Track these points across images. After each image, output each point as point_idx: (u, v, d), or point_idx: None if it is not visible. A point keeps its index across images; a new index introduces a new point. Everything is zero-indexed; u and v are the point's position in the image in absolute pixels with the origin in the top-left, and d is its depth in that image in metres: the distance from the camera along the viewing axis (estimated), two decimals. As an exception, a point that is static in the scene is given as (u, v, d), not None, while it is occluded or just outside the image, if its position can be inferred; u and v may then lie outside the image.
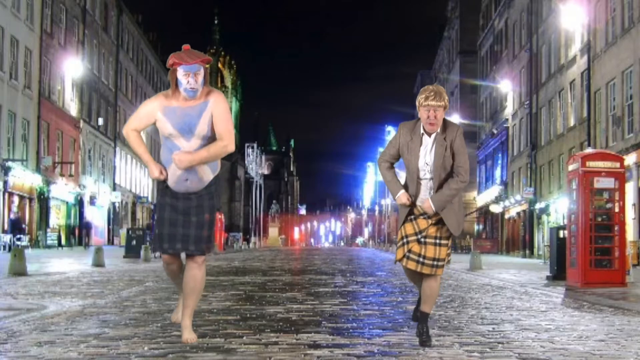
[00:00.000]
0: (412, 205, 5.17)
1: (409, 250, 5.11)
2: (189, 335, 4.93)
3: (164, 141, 4.92)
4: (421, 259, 5.08)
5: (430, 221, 5.12)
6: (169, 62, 4.77)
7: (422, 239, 5.11)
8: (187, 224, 4.88)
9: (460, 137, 5.12)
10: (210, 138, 4.83)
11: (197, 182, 4.86)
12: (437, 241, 5.10)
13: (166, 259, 5.03)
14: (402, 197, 5.12)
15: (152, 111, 4.87)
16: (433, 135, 5.11)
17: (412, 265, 5.09)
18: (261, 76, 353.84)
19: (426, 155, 5.11)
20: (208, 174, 4.90)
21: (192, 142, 4.82)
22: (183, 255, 5.05)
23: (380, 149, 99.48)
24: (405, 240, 5.15)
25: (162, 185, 4.97)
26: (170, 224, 4.90)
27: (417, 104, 5.11)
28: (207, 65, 4.89)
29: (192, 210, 4.88)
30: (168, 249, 4.92)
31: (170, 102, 4.85)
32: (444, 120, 5.12)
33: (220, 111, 4.84)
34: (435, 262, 5.06)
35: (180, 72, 4.75)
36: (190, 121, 4.80)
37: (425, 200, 5.06)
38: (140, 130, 4.97)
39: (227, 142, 4.81)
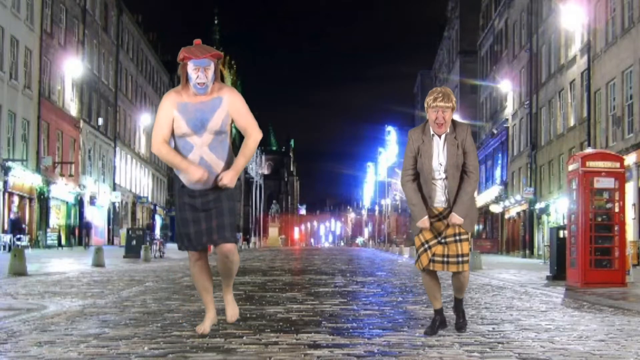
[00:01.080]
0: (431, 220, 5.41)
1: (434, 254, 5.30)
2: (232, 312, 5.15)
3: (177, 140, 4.89)
4: (446, 259, 5.29)
5: (446, 222, 5.30)
6: (180, 56, 4.75)
7: (443, 240, 5.30)
8: (208, 217, 4.89)
9: (470, 136, 5.30)
10: (222, 132, 4.84)
11: (214, 177, 4.86)
12: (457, 238, 5.30)
13: (195, 256, 5.02)
14: (425, 222, 5.28)
15: (169, 111, 4.84)
16: (443, 136, 5.24)
17: (438, 267, 5.31)
18: (261, 76, 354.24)
19: (439, 155, 5.25)
20: (223, 169, 4.89)
21: (204, 138, 4.81)
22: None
23: (381, 149, 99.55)
24: (426, 245, 5.32)
25: (178, 185, 4.97)
26: (194, 223, 4.90)
27: (425, 105, 5.25)
28: (218, 61, 4.85)
29: (211, 203, 4.89)
30: (197, 246, 4.95)
31: (182, 98, 4.83)
32: (453, 120, 5.28)
33: (238, 107, 4.88)
34: (459, 259, 5.29)
35: (191, 67, 4.74)
36: (202, 117, 4.79)
37: (451, 217, 5.26)
38: (170, 134, 4.86)
39: (255, 134, 4.92)
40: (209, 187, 4.88)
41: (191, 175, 4.75)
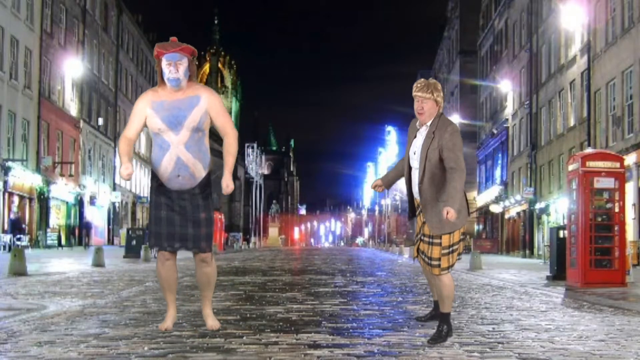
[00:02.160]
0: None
1: (418, 249, 5.35)
2: (212, 323, 5.19)
3: (154, 138, 4.95)
4: (424, 256, 5.27)
5: (421, 219, 5.25)
6: (154, 52, 4.86)
7: (422, 237, 5.28)
8: (184, 223, 4.93)
9: (452, 134, 5.03)
10: (199, 130, 4.90)
11: (189, 177, 4.88)
12: (430, 240, 5.19)
13: (165, 255, 5.09)
14: (374, 182, 5.87)
15: (142, 109, 4.92)
16: (424, 127, 5.23)
17: (421, 261, 5.33)
18: (261, 76, 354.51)
19: (415, 145, 5.27)
20: (200, 171, 4.94)
21: (181, 135, 4.85)
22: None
23: (381, 149, 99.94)
24: (417, 237, 5.40)
25: (154, 184, 4.99)
26: (168, 223, 4.94)
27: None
28: (192, 57, 4.94)
29: (188, 209, 4.92)
30: (167, 247, 5.00)
31: (159, 96, 4.90)
32: (441, 117, 5.20)
33: (217, 107, 4.98)
34: (430, 261, 5.19)
35: (164, 62, 4.82)
36: (179, 114, 4.84)
37: (445, 212, 4.93)
38: (137, 133, 5.00)
39: (233, 132, 5.08)
40: (185, 188, 4.92)
41: (120, 171, 4.97)
